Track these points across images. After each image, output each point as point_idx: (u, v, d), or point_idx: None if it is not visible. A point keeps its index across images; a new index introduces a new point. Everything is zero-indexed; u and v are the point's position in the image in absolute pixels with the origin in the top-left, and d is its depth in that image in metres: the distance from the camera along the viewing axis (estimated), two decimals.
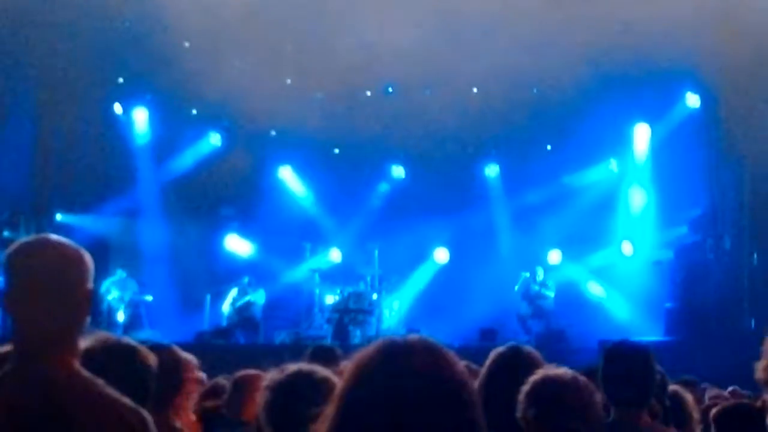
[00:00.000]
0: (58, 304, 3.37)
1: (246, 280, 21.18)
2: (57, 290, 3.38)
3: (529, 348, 5.42)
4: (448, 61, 21.29)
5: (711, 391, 9.80)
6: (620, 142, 22.38)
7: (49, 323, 3.36)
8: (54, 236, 3.57)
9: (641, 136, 22.10)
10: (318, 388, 4.14)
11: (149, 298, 21.54)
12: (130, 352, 4.33)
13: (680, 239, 20.39)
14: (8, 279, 3.40)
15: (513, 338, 19.76)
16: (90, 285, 3.48)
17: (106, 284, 20.81)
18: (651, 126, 21.93)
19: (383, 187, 24.15)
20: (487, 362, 5.09)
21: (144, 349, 4.40)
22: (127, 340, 4.52)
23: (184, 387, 8.01)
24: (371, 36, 20.70)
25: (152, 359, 4.38)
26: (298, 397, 4.11)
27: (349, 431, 2.58)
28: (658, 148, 21.90)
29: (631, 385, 4.99)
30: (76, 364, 3.39)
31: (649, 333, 19.11)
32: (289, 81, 22.46)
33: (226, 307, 20.95)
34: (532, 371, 4.68)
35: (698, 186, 20.75)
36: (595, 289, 22.48)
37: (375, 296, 21.38)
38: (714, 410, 6.13)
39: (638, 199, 22.20)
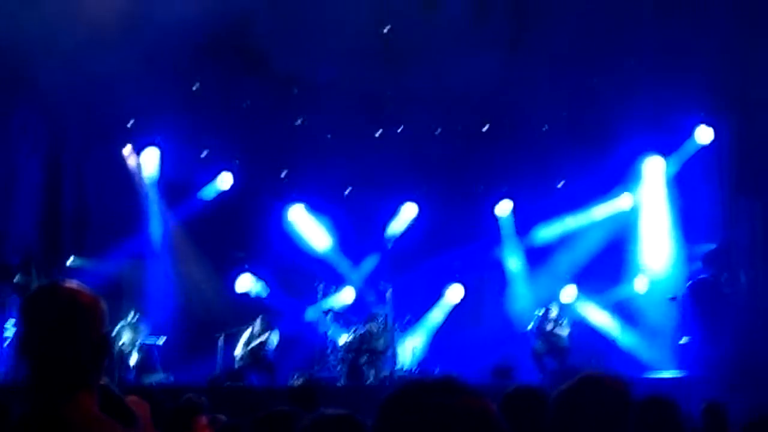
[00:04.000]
0: (72, 350, 3.38)
1: (259, 321, 21.09)
2: (72, 336, 3.39)
3: (535, 388, 5.38)
4: (456, 100, 21.38)
5: None
6: (633, 177, 22.33)
7: (64, 368, 3.36)
8: (68, 282, 3.58)
9: (653, 169, 22.04)
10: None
11: (161, 340, 21.48)
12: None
13: (695, 274, 20.31)
14: (24, 325, 3.41)
15: (528, 376, 19.84)
16: (105, 329, 3.51)
17: (118, 327, 20.77)
18: (664, 159, 21.89)
19: (395, 226, 24.02)
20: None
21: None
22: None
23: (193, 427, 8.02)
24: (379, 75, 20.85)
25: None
26: None
27: None
28: (670, 181, 21.89)
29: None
30: (94, 408, 3.39)
31: (664, 369, 19.04)
32: (299, 121, 22.56)
33: (238, 349, 20.85)
34: (540, 411, 4.62)
35: (712, 220, 20.69)
36: (610, 326, 22.36)
37: (389, 336, 21.31)
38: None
39: (652, 233, 22.13)
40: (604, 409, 4.02)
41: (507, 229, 23.87)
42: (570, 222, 23.06)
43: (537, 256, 23.22)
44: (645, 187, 22.30)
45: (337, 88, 21.42)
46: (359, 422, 4.33)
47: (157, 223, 23.00)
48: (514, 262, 23.87)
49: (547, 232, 23.22)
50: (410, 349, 22.13)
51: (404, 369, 20.78)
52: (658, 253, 22.02)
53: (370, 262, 23.88)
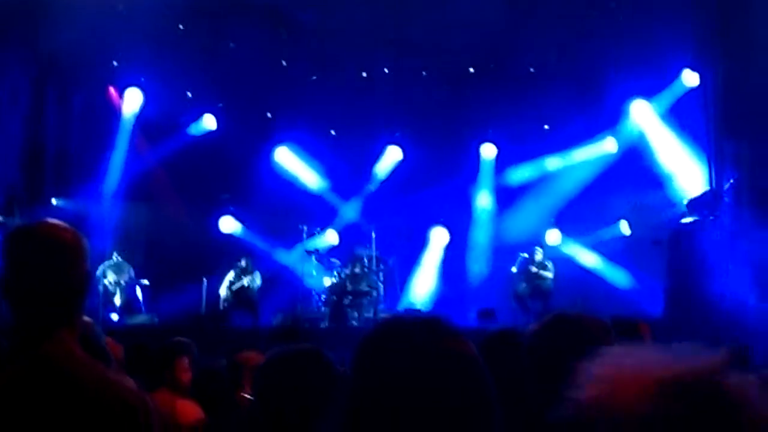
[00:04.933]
0: (55, 287, 3.37)
1: (242, 262, 21.11)
2: (54, 273, 3.38)
3: (516, 330, 5.37)
4: (443, 42, 21.28)
5: None
6: (618, 120, 22.29)
7: (46, 307, 3.36)
8: (49, 220, 3.56)
9: (638, 112, 21.99)
10: (314, 368, 4.12)
11: (145, 282, 21.48)
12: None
13: (679, 218, 20.30)
14: (6, 263, 3.39)
15: (512, 319, 19.92)
16: (86, 267, 3.48)
17: (102, 268, 20.76)
18: (649, 102, 21.84)
19: (380, 168, 23.98)
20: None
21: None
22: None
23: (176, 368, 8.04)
24: (366, 18, 20.73)
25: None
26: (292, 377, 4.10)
27: (361, 414, 2.51)
28: (655, 125, 21.86)
29: None
30: (76, 347, 3.39)
31: (648, 312, 19.07)
32: (284, 63, 22.46)
33: (222, 290, 20.89)
34: (520, 353, 4.60)
35: (696, 164, 20.67)
36: (595, 267, 22.42)
37: (372, 277, 21.36)
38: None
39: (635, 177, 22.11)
40: (576, 349, 3.98)
41: (488, 171, 23.85)
42: (552, 163, 23.06)
43: (519, 198, 23.19)
44: (629, 130, 22.25)
45: (322, 30, 21.33)
46: (326, 357, 4.34)
47: (141, 165, 22.96)
48: (484, 199, 23.87)
49: (526, 173, 23.22)
50: (395, 289, 22.16)
51: (388, 310, 20.80)
52: (641, 197, 22.03)
53: (354, 204, 23.88)
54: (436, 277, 23.50)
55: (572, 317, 4.11)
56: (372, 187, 23.96)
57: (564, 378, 3.96)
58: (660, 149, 21.55)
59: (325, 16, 21.14)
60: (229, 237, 23.09)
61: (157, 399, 6.28)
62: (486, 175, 23.83)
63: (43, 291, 3.36)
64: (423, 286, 23.29)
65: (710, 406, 1.87)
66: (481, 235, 23.62)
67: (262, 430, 4.20)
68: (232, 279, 20.94)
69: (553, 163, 23.05)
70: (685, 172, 20.93)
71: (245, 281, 20.83)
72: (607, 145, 22.62)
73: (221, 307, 20.76)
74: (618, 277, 21.98)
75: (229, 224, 23.19)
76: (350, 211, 23.82)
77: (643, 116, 21.93)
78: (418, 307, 21.42)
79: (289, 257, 22.96)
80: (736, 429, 1.87)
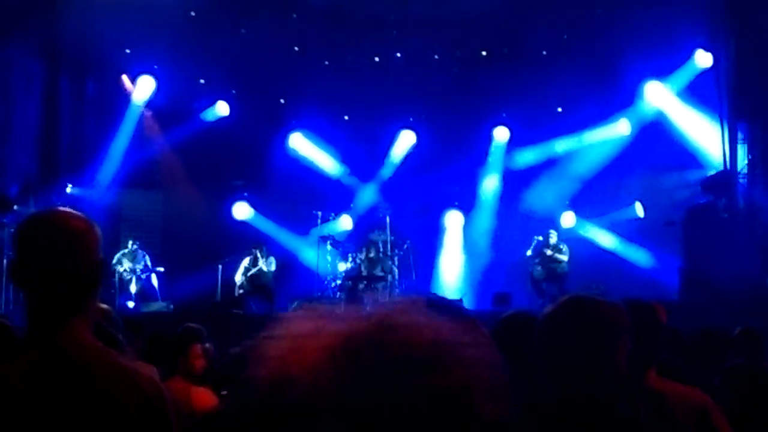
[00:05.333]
0: (67, 276, 3.37)
1: (257, 249, 21.12)
2: (66, 262, 3.37)
3: (529, 313, 5.35)
4: (455, 26, 21.25)
5: None
6: (631, 101, 22.22)
7: (59, 295, 3.35)
8: (63, 208, 3.57)
9: (652, 93, 21.92)
10: None
11: (161, 269, 21.51)
12: None
13: (693, 199, 20.25)
14: (18, 252, 3.40)
15: (527, 303, 19.89)
16: (99, 256, 3.46)
17: (117, 256, 20.79)
18: (661, 84, 21.77)
19: (394, 153, 23.95)
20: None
21: None
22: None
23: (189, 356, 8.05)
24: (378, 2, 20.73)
25: None
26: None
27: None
28: (669, 105, 21.81)
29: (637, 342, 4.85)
30: (89, 335, 3.39)
31: (664, 294, 19.01)
32: (296, 48, 22.44)
33: (238, 276, 20.91)
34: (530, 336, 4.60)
35: (710, 145, 20.61)
36: (610, 250, 22.36)
37: (387, 262, 21.35)
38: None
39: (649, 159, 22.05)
40: (588, 333, 3.97)
41: (499, 155, 23.81)
42: (565, 145, 23.02)
43: (533, 181, 23.13)
44: (643, 111, 22.18)
45: (335, 14, 21.29)
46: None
47: (154, 153, 23.01)
48: (491, 182, 23.86)
49: (539, 155, 23.17)
50: (410, 274, 22.12)
51: (403, 294, 20.79)
52: (656, 178, 22.01)
53: (369, 189, 23.87)
54: (463, 259, 23.51)
55: (586, 300, 4.09)
56: (386, 171, 23.93)
57: (576, 361, 3.96)
58: (674, 130, 21.48)
59: (337, 1, 21.12)
60: (244, 223, 23.09)
61: (171, 387, 6.30)
62: (497, 158, 23.76)
63: (56, 279, 3.35)
64: (451, 270, 23.29)
65: (375, 369, 1.82)
66: (487, 218, 23.56)
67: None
68: (247, 265, 20.95)
69: (566, 145, 22.98)
70: (700, 152, 20.88)
71: (260, 267, 20.84)
72: (621, 127, 22.54)
73: (236, 293, 20.77)
74: (634, 256, 21.91)
75: (243, 210, 23.21)
76: (365, 195, 23.80)
77: (658, 97, 21.86)
78: (441, 291, 21.48)
79: (303, 243, 22.96)
80: (400, 384, 1.81)
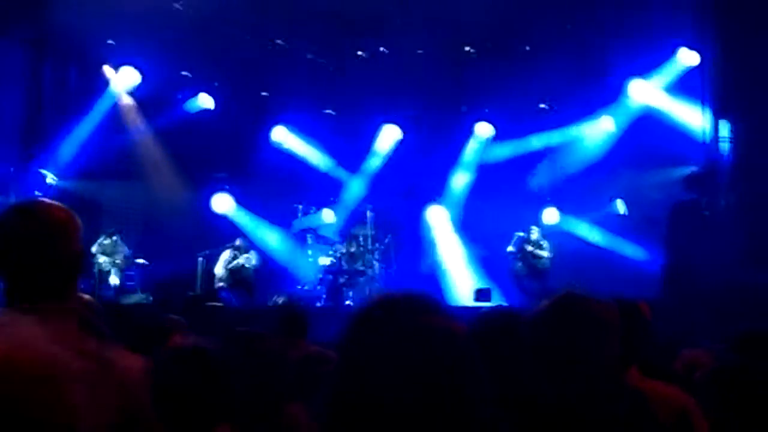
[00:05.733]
0: (48, 265, 3.42)
1: (239, 242, 21.10)
2: (47, 251, 3.43)
3: (509, 309, 5.35)
4: (440, 20, 21.22)
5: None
6: (615, 99, 22.25)
7: (38, 282, 3.41)
8: (44, 199, 3.63)
9: (637, 90, 21.96)
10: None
11: (141, 261, 21.47)
12: None
13: (675, 197, 20.27)
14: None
15: (508, 299, 19.92)
16: (80, 246, 3.54)
17: (97, 247, 20.73)
18: (646, 81, 21.83)
19: (378, 147, 23.92)
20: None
21: None
22: None
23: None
24: None
25: None
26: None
27: (347, 390, 2.51)
28: (654, 102, 21.86)
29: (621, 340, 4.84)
30: (70, 323, 3.42)
31: (646, 291, 19.04)
32: (279, 42, 22.39)
33: (218, 269, 20.87)
34: (514, 332, 4.60)
35: (693, 143, 20.63)
36: (591, 248, 22.36)
37: (368, 257, 21.33)
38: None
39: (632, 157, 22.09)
40: (580, 331, 3.96)
41: (480, 149, 23.77)
42: (546, 140, 23.03)
43: (514, 176, 23.08)
44: (627, 108, 22.22)
45: (319, 8, 21.23)
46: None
47: (136, 144, 23.00)
48: (461, 179, 23.90)
49: (528, 154, 23.16)
50: (390, 269, 22.06)
51: (383, 290, 20.75)
52: (638, 175, 22.03)
53: (351, 183, 23.86)
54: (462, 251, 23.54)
55: (580, 298, 4.09)
56: (369, 165, 23.91)
57: (567, 358, 3.95)
58: (658, 127, 21.51)
59: None
60: (225, 216, 23.05)
61: None
62: (476, 153, 23.72)
63: (37, 268, 3.41)
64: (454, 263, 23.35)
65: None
66: (466, 213, 23.55)
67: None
68: (227, 258, 20.91)
69: (548, 140, 22.99)
70: (684, 149, 20.91)
71: (241, 260, 20.81)
72: (605, 124, 22.56)
73: (216, 286, 20.74)
74: (617, 253, 21.89)
75: (224, 202, 23.14)
76: (347, 190, 23.78)
77: (642, 94, 21.92)
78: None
79: (285, 237, 22.95)
80: None
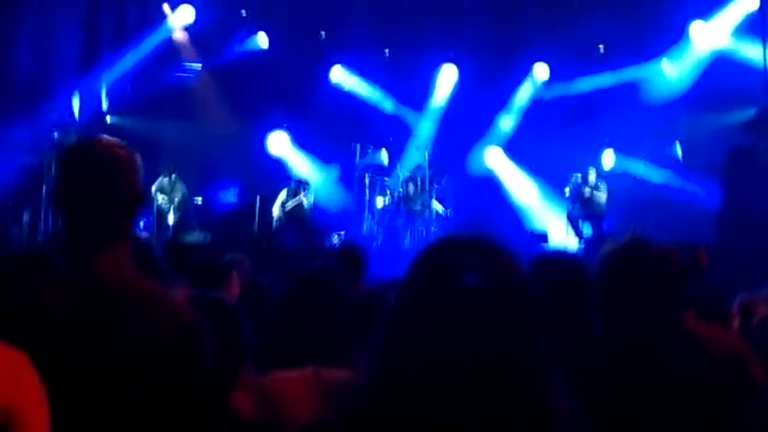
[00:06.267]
0: (107, 205, 3.44)
1: (296, 181, 21.15)
2: (106, 191, 3.44)
3: (568, 252, 5.35)
4: None
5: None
6: (676, 41, 21.96)
7: (98, 223, 3.43)
8: (104, 137, 3.62)
9: (697, 33, 21.65)
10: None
11: (199, 199, 21.60)
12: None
13: (732, 141, 20.01)
14: (59, 179, 3.47)
15: (564, 241, 19.87)
16: (140, 186, 3.56)
17: (155, 186, 20.85)
18: (707, 23, 21.52)
19: (437, 88, 23.81)
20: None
21: None
22: None
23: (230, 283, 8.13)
24: None
25: None
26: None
27: (404, 330, 2.51)
28: (713, 46, 21.57)
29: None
30: (128, 264, 3.45)
31: (703, 234, 18.87)
32: None
33: (275, 209, 20.94)
34: (573, 274, 4.63)
35: (752, 87, 20.35)
36: (648, 191, 22.13)
37: (425, 197, 21.29)
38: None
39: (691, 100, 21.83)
40: (648, 275, 3.99)
41: (535, 91, 23.63)
42: (604, 82, 22.80)
43: (575, 120, 22.88)
44: (688, 51, 21.93)
45: None
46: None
47: (195, 83, 23.05)
48: (507, 122, 23.79)
49: (585, 96, 22.93)
50: (447, 212, 21.99)
51: (440, 232, 20.77)
52: (697, 120, 21.81)
53: (410, 123, 23.76)
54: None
55: (648, 244, 4.12)
56: (428, 106, 23.80)
57: (634, 301, 3.99)
58: (719, 70, 21.22)
59: None
60: (282, 156, 23.07)
61: None
62: (529, 94, 23.57)
63: (97, 205, 3.42)
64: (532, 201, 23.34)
65: None
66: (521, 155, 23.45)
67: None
68: (284, 199, 20.97)
69: (607, 82, 22.75)
70: (746, 92, 20.60)
71: (298, 200, 20.86)
72: (664, 68, 22.31)
73: (274, 226, 20.82)
74: (675, 196, 21.64)
75: (281, 141, 23.14)
76: (405, 129, 23.66)
77: (702, 37, 21.61)
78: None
79: (343, 176, 22.95)
80: None
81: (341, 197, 22.70)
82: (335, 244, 19.72)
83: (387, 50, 23.38)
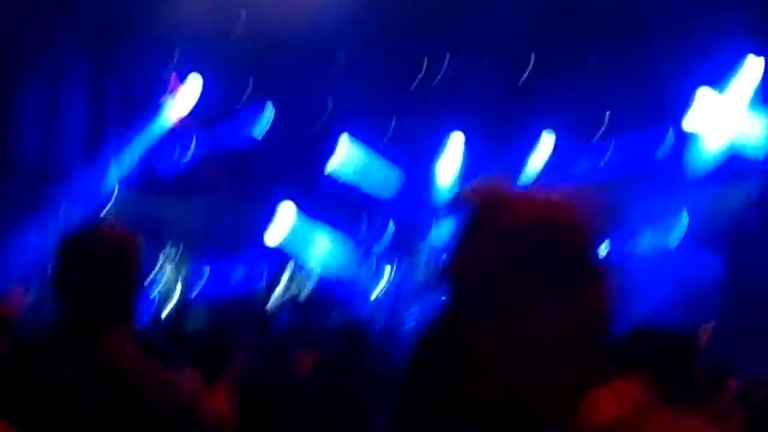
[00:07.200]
0: (109, 287, 3.60)
1: (293, 264, 21.23)
2: (109, 273, 3.60)
3: None
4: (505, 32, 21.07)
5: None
6: (682, 110, 21.76)
7: (101, 304, 3.59)
8: (106, 222, 3.72)
9: (704, 102, 21.38)
10: None
11: (203, 276, 21.59)
12: None
13: (745, 212, 19.74)
14: (62, 262, 3.65)
15: None
16: (140, 268, 3.73)
17: (162, 257, 20.84)
18: (714, 91, 21.29)
19: (447, 162, 23.88)
20: None
21: None
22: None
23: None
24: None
25: None
26: None
27: None
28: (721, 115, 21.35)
29: None
30: (129, 346, 3.60)
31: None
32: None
33: (277, 292, 20.93)
34: None
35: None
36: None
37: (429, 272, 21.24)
38: None
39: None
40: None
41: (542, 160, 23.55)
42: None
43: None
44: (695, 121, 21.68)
45: (379, 17, 21.12)
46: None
47: (199, 157, 23.06)
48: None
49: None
50: None
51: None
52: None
53: (412, 199, 23.69)
54: None
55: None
56: (436, 177, 23.79)
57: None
58: (726, 140, 21.01)
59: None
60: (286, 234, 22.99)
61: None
62: (538, 164, 23.49)
63: (99, 289, 3.56)
64: None
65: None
66: None
67: None
68: (286, 282, 20.97)
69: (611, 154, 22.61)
70: (752, 163, 20.46)
71: (300, 278, 20.85)
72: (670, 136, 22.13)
73: (274, 304, 20.77)
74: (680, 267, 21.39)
75: (288, 211, 23.03)
76: (410, 206, 23.57)
77: (709, 106, 21.34)
78: None
79: (348, 248, 22.85)
80: None
81: (346, 270, 22.57)
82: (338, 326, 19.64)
83: (392, 122, 23.35)
